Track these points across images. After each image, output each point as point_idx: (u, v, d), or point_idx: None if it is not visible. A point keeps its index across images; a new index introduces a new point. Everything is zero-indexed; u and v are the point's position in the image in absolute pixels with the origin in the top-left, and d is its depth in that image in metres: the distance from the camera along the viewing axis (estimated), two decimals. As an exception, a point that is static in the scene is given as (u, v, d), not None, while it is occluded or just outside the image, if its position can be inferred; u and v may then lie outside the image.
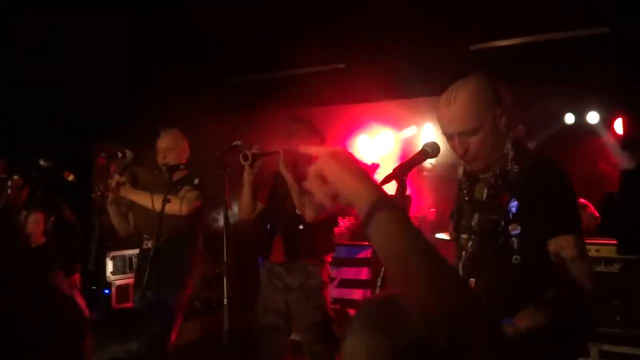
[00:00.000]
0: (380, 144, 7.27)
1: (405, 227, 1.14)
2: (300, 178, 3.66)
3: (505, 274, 2.21)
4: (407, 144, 7.22)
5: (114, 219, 4.20)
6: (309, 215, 3.67)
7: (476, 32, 5.69)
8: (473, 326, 1.04)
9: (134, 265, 6.36)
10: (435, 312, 1.05)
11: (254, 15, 5.40)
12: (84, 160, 5.95)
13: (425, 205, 6.78)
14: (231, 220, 3.40)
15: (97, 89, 6.01)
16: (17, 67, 5.63)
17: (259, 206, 3.93)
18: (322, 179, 1.27)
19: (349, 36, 5.82)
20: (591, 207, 5.54)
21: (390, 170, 2.07)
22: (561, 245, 2.14)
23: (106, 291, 6.25)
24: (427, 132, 7.10)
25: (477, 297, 1.16)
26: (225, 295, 3.33)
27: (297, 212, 3.73)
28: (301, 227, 3.74)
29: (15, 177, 4.12)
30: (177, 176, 4.10)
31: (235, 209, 4.26)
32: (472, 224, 2.35)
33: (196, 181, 4.05)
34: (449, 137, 2.32)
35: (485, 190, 2.34)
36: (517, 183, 2.24)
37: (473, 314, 1.06)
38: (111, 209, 4.13)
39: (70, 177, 3.98)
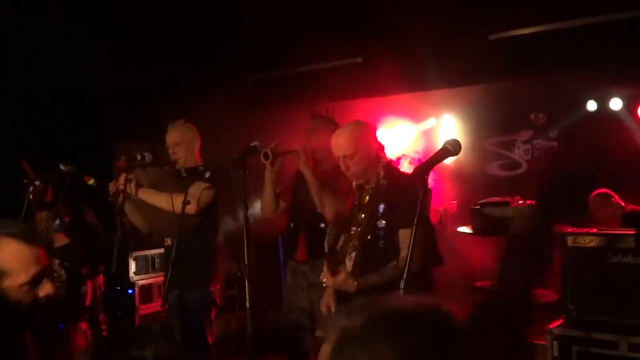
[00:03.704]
0: (400, 137, 7.19)
1: None
2: (320, 176, 3.62)
3: (374, 253, 3.08)
4: (426, 136, 7.14)
5: (133, 218, 4.12)
6: (329, 214, 3.63)
7: (494, 21, 5.61)
8: None
9: (157, 265, 6.38)
10: None
11: (269, 11, 5.37)
12: (106, 162, 5.98)
13: (446, 198, 6.71)
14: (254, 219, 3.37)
15: (117, 89, 6.03)
16: (37, 70, 5.66)
17: (282, 205, 3.88)
18: None
19: (365, 29, 5.77)
20: (616, 197, 5.45)
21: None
22: (400, 236, 2.97)
23: (130, 291, 6.28)
24: (446, 123, 7.01)
25: None
26: (247, 299, 3.31)
27: (319, 210, 3.68)
28: (322, 225, 3.68)
29: (37, 182, 4.13)
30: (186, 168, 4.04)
31: (257, 207, 4.21)
32: (359, 219, 3.13)
33: (207, 175, 3.95)
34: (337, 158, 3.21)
35: (367, 197, 3.16)
36: (385, 192, 3.10)
37: None
38: (127, 209, 3.99)
39: (91, 181, 3.97)
